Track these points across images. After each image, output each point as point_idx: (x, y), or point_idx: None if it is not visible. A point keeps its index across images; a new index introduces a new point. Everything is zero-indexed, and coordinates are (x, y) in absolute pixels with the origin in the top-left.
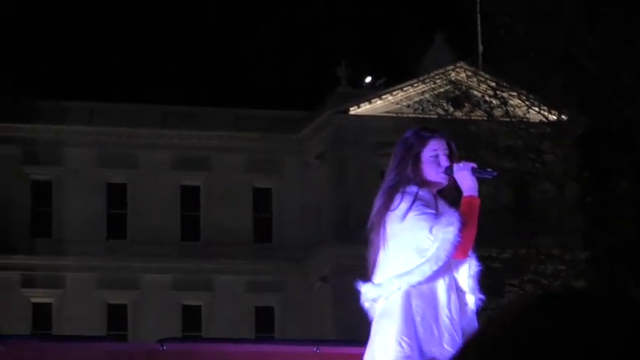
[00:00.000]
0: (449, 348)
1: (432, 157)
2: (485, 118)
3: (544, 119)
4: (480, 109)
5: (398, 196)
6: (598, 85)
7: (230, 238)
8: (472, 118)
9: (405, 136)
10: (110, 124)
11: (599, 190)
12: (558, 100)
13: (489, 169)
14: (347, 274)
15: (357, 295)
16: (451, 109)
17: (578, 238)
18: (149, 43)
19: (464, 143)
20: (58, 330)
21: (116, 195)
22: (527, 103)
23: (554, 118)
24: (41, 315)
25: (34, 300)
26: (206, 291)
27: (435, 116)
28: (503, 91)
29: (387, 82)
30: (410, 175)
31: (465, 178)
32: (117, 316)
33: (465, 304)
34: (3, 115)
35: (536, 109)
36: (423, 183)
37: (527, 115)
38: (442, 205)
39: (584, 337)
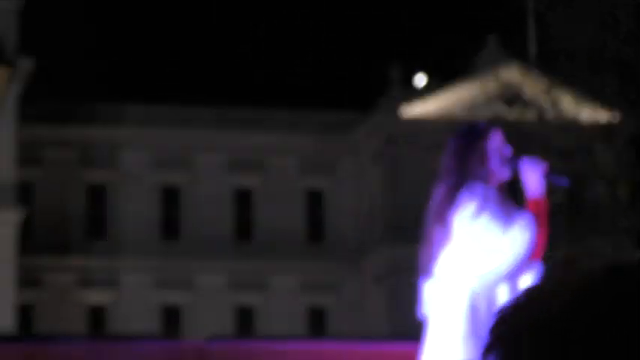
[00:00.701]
0: None
1: (495, 149)
2: (537, 119)
3: (596, 120)
4: (531, 108)
5: (464, 194)
6: None
7: (284, 238)
8: (524, 118)
9: (460, 130)
10: (165, 126)
11: None
12: (611, 101)
13: (564, 177)
14: (401, 275)
15: (411, 295)
16: (503, 109)
17: (630, 238)
18: (205, 45)
19: (515, 144)
20: (112, 330)
21: (171, 197)
22: (579, 103)
23: (606, 118)
24: (96, 316)
25: (89, 301)
26: (260, 291)
27: (488, 117)
28: (555, 91)
29: (440, 82)
30: (475, 170)
31: (534, 178)
32: (172, 317)
33: None
34: (60, 118)
35: (588, 109)
36: (489, 177)
37: (579, 116)
38: (508, 203)
39: None
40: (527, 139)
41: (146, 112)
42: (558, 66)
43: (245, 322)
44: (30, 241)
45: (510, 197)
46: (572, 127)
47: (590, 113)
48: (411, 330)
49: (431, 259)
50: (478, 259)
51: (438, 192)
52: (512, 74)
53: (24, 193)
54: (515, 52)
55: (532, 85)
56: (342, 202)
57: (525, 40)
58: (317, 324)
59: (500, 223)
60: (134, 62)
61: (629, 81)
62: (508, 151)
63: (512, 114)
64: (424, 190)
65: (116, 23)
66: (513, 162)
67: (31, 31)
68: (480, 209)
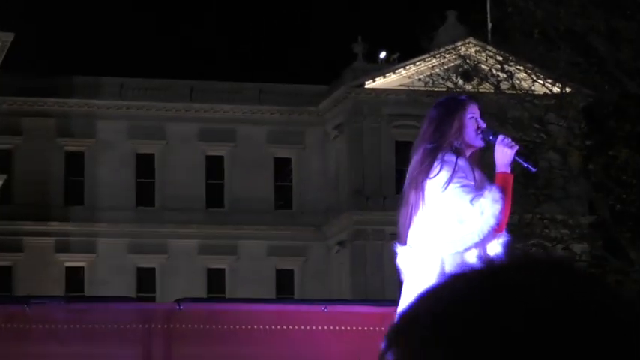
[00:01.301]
0: None
1: (470, 119)
2: (493, 91)
3: (549, 92)
4: (487, 82)
5: (437, 164)
6: (601, 59)
7: (253, 205)
8: (480, 90)
9: (441, 101)
10: (140, 98)
11: (601, 158)
12: (563, 74)
13: (532, 164)
14: (363, 239)
15: (372, 259)
16: (460, 82)
17: (581, 204)
18: (178, 21)
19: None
20: (89, 292)
21: (145, 165)
22: (532, 76)
23: (559, 90)
24: (74, 278)
25: (67, 264)
26: (230, 255)
27: (445, 89)
28: (510, 65)
29: (401, 57)
30: (451, 138)
31: (505, 155)
32: (146, 279)
33: None
34: (38, 90)
35: (541, 82)
36: (462, 146)
37: (533, 88)
38: (478, 174)
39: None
40: (483, 111)
41: (121, 84)
42: (513, 41)
43: (216, 284)
44: (9, 206)
45: (481, 168)
46: (526, 98)
47: (543, 86)
48: (372, 291)
49: (406, 223)
50: (448, 226)
51: (414, 158)
52: (469, 49)
53: (3, 162)
54: (473, 28)
55: (488, 60)
56: (309, 171)
57: (483, 16)
58: (285, 286)
59: (470, 192)
60: (110, 37)
61: (581, 54)
62: (482, 123)
63: (469, 87)
64: (386, 159)
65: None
66: (487, 135)
67: (10, 6)
68: (451, 178)
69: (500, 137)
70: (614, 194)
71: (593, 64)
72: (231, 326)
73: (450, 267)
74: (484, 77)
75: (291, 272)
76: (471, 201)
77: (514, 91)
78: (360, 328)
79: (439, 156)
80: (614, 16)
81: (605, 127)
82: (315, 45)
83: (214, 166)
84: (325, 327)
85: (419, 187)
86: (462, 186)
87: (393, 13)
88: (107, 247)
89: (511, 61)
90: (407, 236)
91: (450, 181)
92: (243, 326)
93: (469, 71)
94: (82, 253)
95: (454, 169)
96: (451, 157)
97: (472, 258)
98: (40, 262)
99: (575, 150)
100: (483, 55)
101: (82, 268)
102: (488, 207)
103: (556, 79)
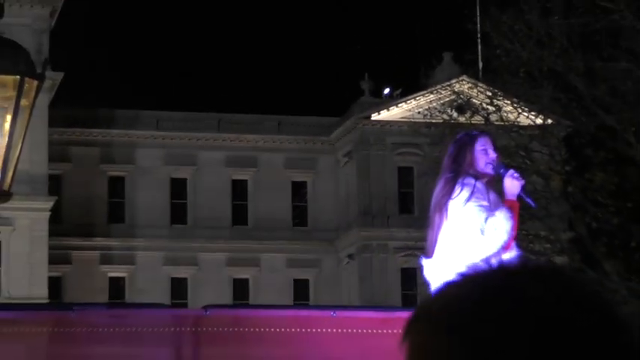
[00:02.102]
0: None
1: (481, 151)
2: (483, 122)
3: (533, 123)
4: (479, 114)
5: (457, 187)
6: (579, 95)
7: (273, 223)
8: (472, 122)
9: (458, 137)
10: (174, 129)
11: (579, 181)
12: (545, 108)
13: (532, 199)
14: (369, 253)
15: (378, 270)
16: (455, 115)
17: (562, 222)
18: (208, 59)
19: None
20: (130, 300)
21: (178, 188)
22: (518, 109)
23: (542, 122)
24: (116, 287)
25: (110, 275)
26: (253, 267)
27: (442, 121)
28: (498, 100)
29: (403, 92)
30: (466, 167)
31: (513, 186)
32: (179, 288)
33: None
34: (84, 121)
35: (526, 114)
36: (477, 174)
37: (519, 120)
38: (493, 196)
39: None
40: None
41: (158, 117)
42: (501, 79)
43: (240, 292)
44: (59, 224)
45: (495, 193)
46: (513, 129)
47: (528, 118)
48: (377, 298)
49: (432, 240)
50: (467, 239)
51: (438, 185)
52: (463, 86)
53: (54, 185)
54: (466, 67)
55: (483, 97)
56: (322, 193)
57: (475, 57)
58: (301, 294)
59: (485, 211)
60: (147, 74)
61: (562, 90)
62: (493, 154)
63: (462, 119)
64: (390, 183)
65: (132, 40)
66: (499, 168)
67: (60, 48)
68: (470, 197)
69: (511, 171)
70: (590, 213)
71: (572, 100)
72: (253, 329)
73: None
74: (476, 110)
75: (306, 282)
76: (486, 218)
77: (502, 123)
78: (365, 331)
79: (459, 180)
80: (591, 58)
81: (582, 154)
82: (327, 82)
83: (239, 189)
84: (334, 330)
85: (442, 208)
86: (479, 205)
87: (396, 54)
88: (145, 260)
89: (499, 96)
90: (433, 251)
91: (468, 199)
92: (264, 329)
93: (462, 105)
94: (123, 265)
95: (472, 190)
96: (470, 180)
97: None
98: (86, 273)
99: (556, 174)
100: (475, 91)
101: (123, 278)
102: (501, 224)
103: (539, 112)
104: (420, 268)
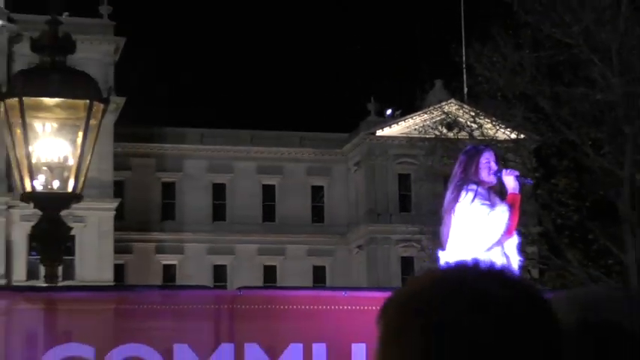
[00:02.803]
0: None
1: (485, 163)
2: (468, 137)
3: (508, 137)
4: (464, 131)
5: (463, 192)
6: (546, 115)
7: (296, 220)
8: (458, 137)
9: (466, 149)
10: (215, 143)
11: (546, 185)
12: (518, 125)
13: (528, 179)
14: (375, 244)
15: (382, 258)
16: (445, 131)
17: (533, 218)
18: (241, 87)
19: (453, 154)
20: (179, 283)
21: (219, 192)
22: (496, 126)
23: (515, 136)
24: (168, 273)
25: (163, 262)
26: (279, 256)
27: (434, 137)
28: (480, 119)
29: (402, 113)
30: (471, 176)
31: (510, 181)
32: (219, 274)
33: (511, 264)
34: (143, 137)
35: (503, 130)
36: (480, 182)
37: (496, 135)
38: (493, 197)
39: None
40: (460, 152)
41: (202, 133)
42: (483, 101)
43: (270, 277)
44: (122, 221)
45: (496, 195)
46: (492, 142)
47: (504, 133)
48: (382, 281)
49: (445, 236)
50: (474, 233)
51: (448, 190)
52: (451, 107)
53: (118, 189)
54: (454, 92)
55: (467, 116)
56: (335, 195)
57: (461, 84)
58: (319, 278)
59: (486, 208)
60: (194, 98)
61: (532, 110)
62: (495, 166)
63: (450, 134)
64: (391, 187)
65: (180, 70)
66: (499, 173)
67: (122, 76)
68: (474, 199)
69: (505, 170)
70: (555, 211)
71: (540, 118)
72: (279, 307)
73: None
74: (462, 127)
75: (323, 268)
76: (487, 212)
77: (483, 137)
78: (370, 307)
79: (465, 187)
80: (556, 84)
81: (549, 163)
82: (340, 104)
83: (268, 192)
84: (346, 307)
85: (451, 210)
86: (482, 204)
87: (396, 81)
88: (192, 250)
89: (481, 115)
90: (446, 245)
91: (472, 200)
92: (288, 307)
93: (451, 123)
94: (174, 254)
95: (475, 194)
96: (473, 186)
97: (495, 255)
98: (144, 261)
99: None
100: (461, 111)
101: (174, 265)
102: (500, 216)
103: (513, 128)
104: (416, 257)
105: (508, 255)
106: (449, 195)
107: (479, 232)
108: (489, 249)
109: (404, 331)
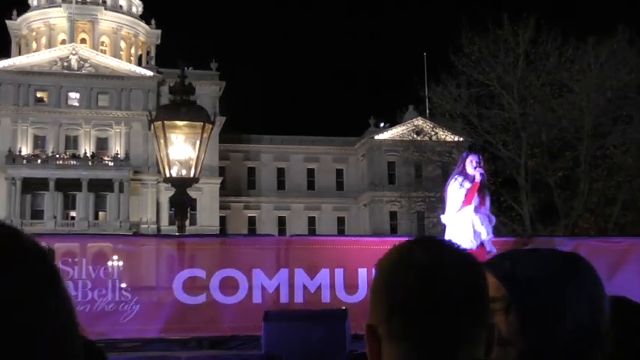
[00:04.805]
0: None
1: (470, 162)
2: (428, 140)
3: (452, 140)
4: (427, 136)
5: (454, 178)
6: (474, 125)
7: (327, 189)
8: (422, 140)
9: (463, 154)
10: (278, 143)
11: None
12: (458, 133)
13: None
14: (374, 204)
15: (381, 214)
16: (416, 136)
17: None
18: (295, 106)
19: (421, 150)
20: (259, 231)
21: (280, 174)
22: (445, 134)
23: (456, 139)
24: (251, 222)
25: (248, 215)
26: (317, 210)
27: (410, 139)
28: (436, 129)
29: (390, 125)
30: (463, 171)
31: (477, 175)
32: (281, 224)
33: (472, 219)
34: (235, 140)
35: (450, 136)
36: (467, 175)
37: (446, 138)
38: (466, 182)
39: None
40: (425, 149)
41: (270, 138)
42: (439, 118)
43: (311, 223)
44: (224, 190)
45: (482, 188)
46: (446, 145)
47: (450, 137)
48: (380, 231)
49: (444, 206)
50: (452, 201)
51: (449, 179)
52: (419, 122)
53: (221, 171)
54: (421, 112)
55: (429, 127)
56: (351, 174)
57: (424, 108)
58: (341, 224)
59: (458, 187)
60: (266, 115)
61: (466, 123)
62: (479, 165)
63: (419, 138)
64: (383, 169)
65: (258, 99)
66: (477, 167)
67: (224, 105)
68: (461, 185)
69: (477, 168)
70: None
71: (471, 128)
72: (314, 247)
73: (457, 217)
74: (425, 134)
75: (343, 218)
76: (458, 190)
77: (437, 140)
78: (369, 247)
79: (455, 175)
80: (480, 108)
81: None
82: (353, 119)
83: (310, 173)
84: (354, 247)
85: (447, 190)
86: (460, 187)
87: (386, 107)
88: (265, 208)
89: (436, 127)
90: (445, 211)
91: (461, 185)
92: (319, 247)
93: (418, 131)
94: (254, 210)
95: (461, 183)
96: (460, 177)
97: (463, 213)
98: (237, 215)
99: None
100: (425, 124)
101: (254, 217)
102: (462, 191)
103: (455, 134)
104: (398, 211)
105: (469, 215)
106: (449, 181)
107: (453, 201)
108: (459, 210)
109: (376, 286)
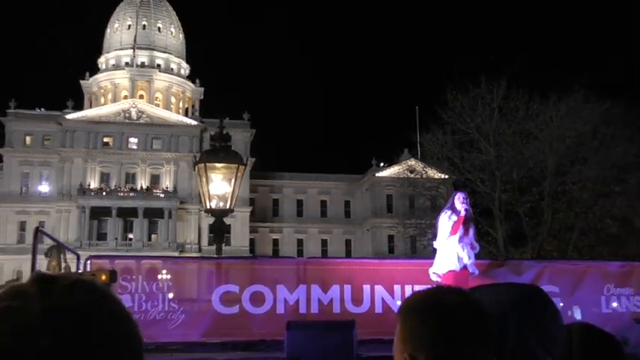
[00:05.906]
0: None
1: (458, 198)
2: (420, 177)
3: (440, 178)
4: (419, 174)
5: (445, 211)
6: (458, 166)
7: (337, 217)
8: (415, 177)
9: (453, 191)
10: (297, 179)
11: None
12: (444, 172)
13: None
14: (375, 229)
15: (382, 239)
16: (410, 174)
17: None
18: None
19: (414, 185)
20: (281, 251)
21: (299, 203)
22: (434, 171)
23: (443, 177)
24: (275, 245)
25: (273, 237)
26: (329, 234)
27: (405, 176)
28: (426, 168)
29: (388, 164)
30: (452, 206)
31: (462, 209)
32: (300, 247)
33: (457, 248)
34: (263, 177)
35: (437, 174)
36: (455, 210)
37: (434, 176)
38: (453, 216)
39: None
40: (416, 185)
41: (291, 175)
42: (429, 160)
43: (324, 245)
44: (253, 217)
45: (467, 221)
46: (434, 181)
47: (438, 175)
48: (379, 253)
49: (436, 234)
50: (441, 231)
51: (441, 213)
52: (412, 162)
53: (251, 202)
54: (414, 154)
55: (420, 167)
56: (357, 205)
57: (417, 151)
58: (348, 246)
59: (447, 219)
60: (286, 157)
61: (451, 164)
62: (465, 201)
63: (412, 176)
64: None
65: (280, 143)
66: (464, 202)
67: (254, 149)
68: (449, 218)
69: (464, 204)
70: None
71: (455, 168)
72: (327, 267)
73: (448, 245)
74: (417, 172)
75: (350, 241)
76: (447, 222)
77: (428, 177)
78: (370, 268)
79: (446, 210)
80: (462, 151)
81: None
82: (359, 160)
83: (323, 203)
84: (358, 267)
85: (439, 220)
86: (448, 219)
87: (386, 149)
88: (286, 232)
89: (427, 167)
90: (436, 237)
91: (449, 218)
92: (331, 267)
93: (412, 170)
94: (278, 234)
95: (449, 216)
96: (449, 211)
97: (450, 242)
98: (263, 237)
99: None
100: (418, 164)
101: (277, 239)
102: (449, 223)
103: (442, 172)
104: (395, 235)
105: (454, 243)
106: (440, 215)
107: (443, 231)
108: (447, 238)
109: (414, 325)
